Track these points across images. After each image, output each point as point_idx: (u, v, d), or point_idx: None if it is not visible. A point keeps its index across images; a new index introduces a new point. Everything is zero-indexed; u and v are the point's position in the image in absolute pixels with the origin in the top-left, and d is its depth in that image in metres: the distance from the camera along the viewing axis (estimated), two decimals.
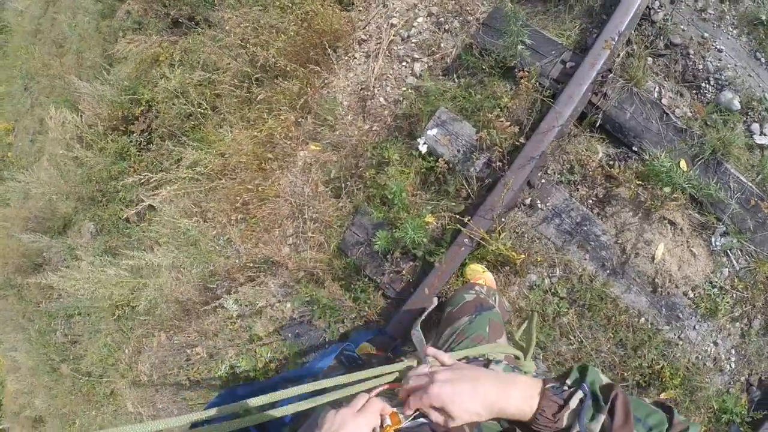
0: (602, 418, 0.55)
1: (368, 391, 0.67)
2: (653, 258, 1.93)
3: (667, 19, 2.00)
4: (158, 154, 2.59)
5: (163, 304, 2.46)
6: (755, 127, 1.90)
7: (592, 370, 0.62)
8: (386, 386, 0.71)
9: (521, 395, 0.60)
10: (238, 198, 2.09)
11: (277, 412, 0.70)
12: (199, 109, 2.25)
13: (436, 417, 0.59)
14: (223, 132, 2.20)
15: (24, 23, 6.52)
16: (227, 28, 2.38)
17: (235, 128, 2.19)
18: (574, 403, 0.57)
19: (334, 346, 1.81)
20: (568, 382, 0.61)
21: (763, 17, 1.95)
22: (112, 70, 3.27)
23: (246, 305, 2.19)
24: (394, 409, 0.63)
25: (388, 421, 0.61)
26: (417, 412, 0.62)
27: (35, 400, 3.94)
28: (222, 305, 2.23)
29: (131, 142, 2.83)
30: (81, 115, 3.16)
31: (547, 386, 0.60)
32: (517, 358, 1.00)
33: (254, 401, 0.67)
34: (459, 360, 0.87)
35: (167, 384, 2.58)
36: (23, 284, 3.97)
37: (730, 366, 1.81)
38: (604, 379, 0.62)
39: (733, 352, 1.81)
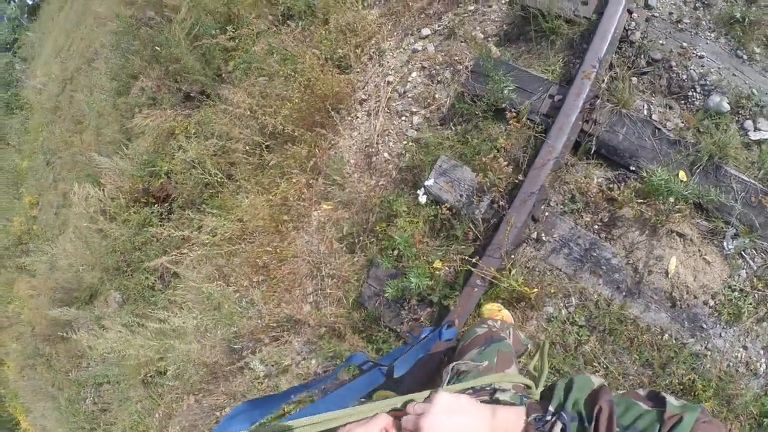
0: None
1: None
2: (667, 272, 1.89)
3: (645, 37, 2.04)
4: (179, 223, 2.74)
5: (191, 368, 2.51)
6: (748, 124, 1.89)
7: (578, 382, 0.61)
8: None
9: None
10: (258, 260, 2.19)
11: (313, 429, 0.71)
12: (215, 178, 2.41)
13: None
14: (240, 198, 2.34)
15: (43, 101, 7.00)
16: (235, 100, 2.57)
17: (251, 194, 2.33)
18: None
19: (343, 365, 1.79)
20: (551, 408, 0.61)
21: (738, 14, 1.96)
22: (130, 145, 3.50)
23: (272, 365, 2.24)
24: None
25: None
26: None
27: None
28: (248, 365, 2.27)
29: (153, 213, 2.99)
30: (103, 189, 3.35)
31: (530, 419, 0.61)
32: (528, 387, 0.98)
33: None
34: (465, 390, 0.87)
35: None
36: (52, 353, 4.06)
37: (764, 367, 1.74)
38: (596, 382, 0.61)
39: (763, 353, 1.75)
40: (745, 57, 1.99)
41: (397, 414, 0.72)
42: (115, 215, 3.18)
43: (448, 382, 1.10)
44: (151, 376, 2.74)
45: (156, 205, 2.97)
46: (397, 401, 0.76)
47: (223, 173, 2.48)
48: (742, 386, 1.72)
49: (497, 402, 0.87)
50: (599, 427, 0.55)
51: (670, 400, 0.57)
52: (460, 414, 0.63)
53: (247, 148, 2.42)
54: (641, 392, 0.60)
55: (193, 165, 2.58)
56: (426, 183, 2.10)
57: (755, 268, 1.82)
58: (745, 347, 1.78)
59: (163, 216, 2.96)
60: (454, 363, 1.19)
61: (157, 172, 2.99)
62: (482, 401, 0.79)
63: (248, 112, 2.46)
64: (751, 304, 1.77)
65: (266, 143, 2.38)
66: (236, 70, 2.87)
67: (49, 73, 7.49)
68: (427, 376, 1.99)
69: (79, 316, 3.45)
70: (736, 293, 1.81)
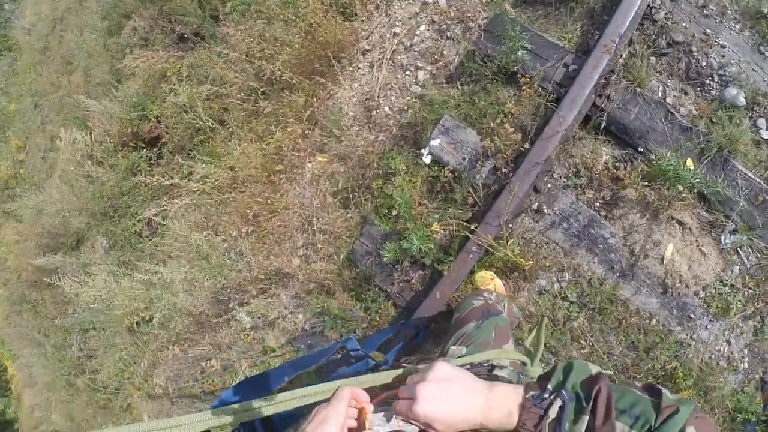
0: (586, 419, 0.55)
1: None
2: (663, 259, 1.92)
3: (669, 18, 1.98)
4: (168, 168, 2.64)
5: (177, 317, 2.49)
6: (761, 122, 1.87)
7: (577, 366, 0.61)
8: (390, 393, 0.71)
9: (502, 411, 0.61)
10: (248, 211, 2.12)
11: (282, 406, 0.71)
12: (207, 124, 2.30)
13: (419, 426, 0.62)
14: (232, 146, 2.24)
15: (32, 41, 6.65)
16: (232, 42, 2.42)
17: (244, 142, 2.23)
18: (553, 412, 0.57)
19: (334, 344, 1.81)
20: (550, 386, 0.61)
21: (766, 10, 1.92)
22: (120, 87, 3.34)
23: (258, 317, 2.22)
24: (366, 406, 0.65)
25: (365, 398, 0.64)
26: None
27: (52, 415, 4.01)
28: (235, 318, 2.26)
29: (141, 157, 2.88)
30: (91, 133, 3.22)
31: (528, 395, 0.61)
32: (524, 363, 0.99)
33: (261, 405, 0.69)
34: (463, 366, 0.88)
35: (183, 396, 2.61)
36: (38, 299, 4.05)
37: (744, 365, 1.79)
38: (593, 370, 0.61)
39: (746, 351, 1.80)
40: (767, 54, 1.93)
41: (390, 392, 0.71)
42: (102, 159, 3.07)
43: (448, 354, 1.12)
44: (137, 324, 2.73)
45: (145, 150, 2.86)
46: (390, 374, 0.75)
47: (216, 119, 2.37)
48: (720, 380, 1.76)
49: (495, 378, 0.89)
50: (597, 407, 0.55)
51: (666, 393, 0.57)
52: (457, 384, 0.64)
53: (242, 93, 2.29)
54: (637, 383, 0.61)
55: (184, 109, 2.46)
56: (432, 142, 2.02)
57: (749, 266, 1.83)
58: (728, 342, 1.81)
59: (152, 161, 2.85)
60: (455, 335, 1.19)
61: (146, 115, 2.86)
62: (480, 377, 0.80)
63: (244, 56, 2.31)
64: (740, 300, 1.79)
65: (262, 89, 2.25)
66: (234, 11, 2.69)
67: (38, 12, 7.09)
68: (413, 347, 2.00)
69: (66, 262, 3.40)
70: (727, 288, 1.82)
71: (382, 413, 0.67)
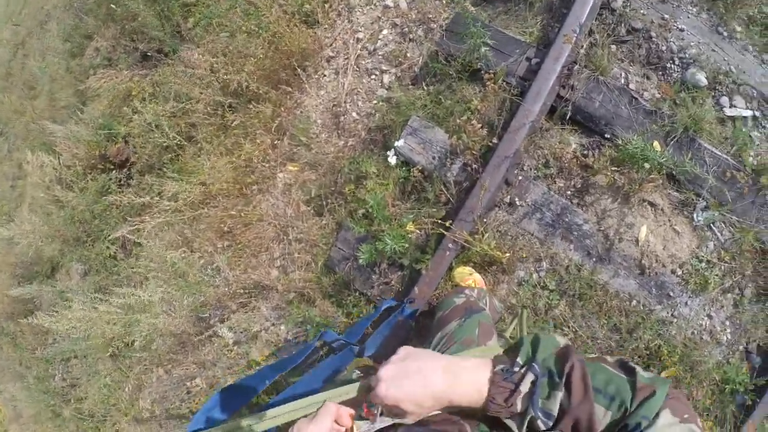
0: (559, 395, 0.53)
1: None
2: (637, 241, 1.94)
3: (627, 5, 2.03)
4: (139, 188, 2.59)
5: (159, 338, 2.44)
6: (724, 100, 1.91)
7: (545, 340, 0.59)
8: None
9: (469, 384, 0.58)
10: (222, 225, 2.10)
11: (271, 423, 0.71)
12: (175, 141, 2.26)
13: (393, 414, 0.60)
14: (202, 161, 2.21)
15: None
16: (195, 57, 2.39)
17: (213, 156, 2.20)
18: (525, 386, 0.55)
19: (314, 339, 1.78)
20: (519, 360, 0.58)
21: None
22: (85, 109, 3.27)
23: (241, 332, 2.19)
24: (351, 411, 0.63)
25: (348, 423, 0.61)
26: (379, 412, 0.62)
27: None
28: (217, 334, 2.22)
29: (111, 179, 2.82)
30: (59, 157, 3.14)
31: (497, 369, 0.58)
32: None
33: (251, 422, 0.68)
34: None
35: (170, 417, 2.56)
36: (17, 331, 3.91)
37: (727, 337, 1.82)
38: (561, 342, 0.59)
39: (728, 323, 1.83)
40: (725, 34, 1.99)
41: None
42: (71, 184, 2.99)
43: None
44: (118, 348, 2.66)
45: (114, 171, 2.80)
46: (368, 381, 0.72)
47: (184, 135, 2.33)
48: (705, 353, 1.79)
49: None
50: (572, 384, 0.52)
51: (639, 370, 0.55)
52: (417, 360, 0.61)
53: (208, 108, 2.27)
54: (609, 359, 0.58)
55: (151, 128, 2.42)
56: (396, 144, 2.03)
57: (723, 240, 1.87)
58: (709, 316, 1.84)
59: (122, 182, 2.80)
60: (438, 334, 1.19)
61: (113, 136, 2.81)
62: None
63: (209, 71, 2.29)
64: (717, 275, 1.83)
65: (228, 102, 2.23)
66: (196, 26, 2.66)
67: None
68: (400, 345, 1.99)
69: (42, 291, 3.30)
70: (703, 264, 1.86)
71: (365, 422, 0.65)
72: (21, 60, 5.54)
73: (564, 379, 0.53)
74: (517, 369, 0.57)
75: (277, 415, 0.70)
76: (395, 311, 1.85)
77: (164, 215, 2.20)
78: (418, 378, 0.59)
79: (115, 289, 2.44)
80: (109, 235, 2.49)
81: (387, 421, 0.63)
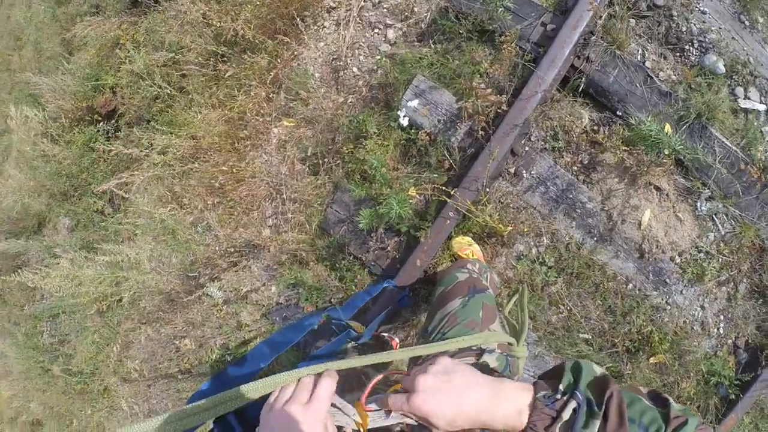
0: (597, 423, 0.52)
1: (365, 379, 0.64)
2: (640, 224, 1.92)
3: None
4: (127, 141, 2.48)
5: (147, 296, 2.39)
6: (739, 90, 1.87)
7: (586, 368, 0.58)
8: (377, 380, 0.67)
9: (510, 409, 0.57)
10: (213, 181, 2.01)
11: (255, 393, 0.65)
12: (165, 91, 2.13)
13: (416, 419, 0.58)
14: (193, 113, 2.09)
15: None
16: (188, 4, 2.23)
17: (205, 108, 2.08)
18: (567, 414, 0.54)
19: (317, 313, 1.75)
20: (561, 387, 0.57)
21: None
22: (71, 59, 3.10)
23: (231, 291, 2.14)
24: (359, 401, 0.60)
25: (357, 418, 0.59)
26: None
27: (30, 404, 3.90)
28: (206, 293, 2.17)
29: (98, 131, 2.69)
30: (44, 110, 3.00)
31: (539, 395, 0.57)
32: (510, 344, 0.96)
33: (248, 388, 0.61)
34: (453, 355, 0.86)
35: (159, 377, 2.55)
36: (4, 288, 3.87)
37: (718, 330, 1.83)
38: (598, 371, 0.59)
39: (720, 316, 1.84)
40: (747, 23, 1.92)
41: (377, 379, 0.66)
42: (58, 137, 2.86)
43: (434, 333, 1.09)
44: (107, 306, 2.62)
45: (101, 123, 2.67)
46: (378, 357, 0.69)
47: (174, 86, 2.20)
48: (695, 344, 1.80)
49: (487, 366, 0.87)
50: (610, 413, 0.52)
51: (672, 402, 0.57)
52: (459, 377, 0.60)
53: (200, 58, 2.13)
54: (643, 390, 0.59)
55: (140, 77, 2.28)
56: (408, 103, 1.92)
57: (723, 233, 1.85)
58: (703, 307, 1.84)
59: (110, 134, 2.67)
60: (439, 312, 1.15)
61: (101, 87, 2.66)
62: (470, 363, 0.80)
63: (201, 18, 2.14)
64: (714, 267, 1.82)
65: (221, 52, 2.09)
66: None
67: None
68: (392, 315, 1.96)
69: (29, 246, 3.23)
70: (702, 254, 1.85)
71: (374, 404, 0.62)
72: (6, 10, 5.27)
73: (603, 409, 0.53)
74: (559, 396, 0.56)
75: (260, 387, 0.63)
76: (395, 295, 1.81)
77: (153, 169, 2.11)
78: (458, 396, 0.57)
79: (103, 245, 2.37)
80: (96, 189, 2.39)
81: (398, 418, 0.61)
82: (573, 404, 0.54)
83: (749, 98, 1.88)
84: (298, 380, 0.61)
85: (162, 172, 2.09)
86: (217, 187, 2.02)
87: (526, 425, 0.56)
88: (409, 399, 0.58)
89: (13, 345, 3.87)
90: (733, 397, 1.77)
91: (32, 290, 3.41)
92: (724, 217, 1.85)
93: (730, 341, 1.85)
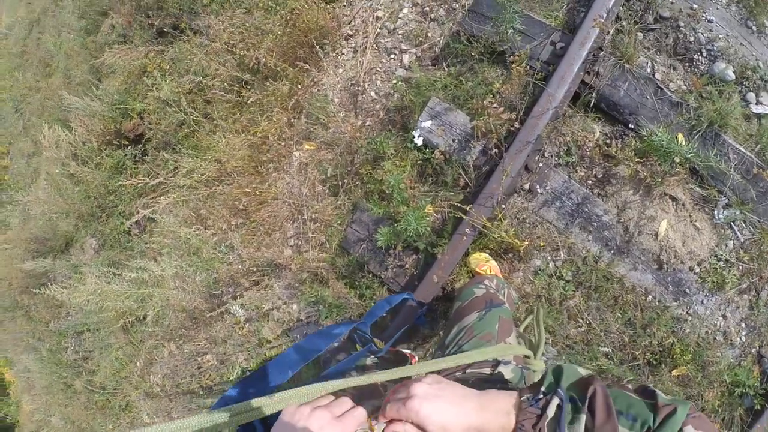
0: (583, 417, 0.54)
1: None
2: (657, 235, 1.90)
3: None
4: (154, 165, 2.59)
5: (171, 314, 2.46)
6: (751, 96, 1.87)
7: (567, 369, 0.60)
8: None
9: (499, 413, 0.59)
10: (237, 203, 2.08)
11: (281, 405, 0.68)
12: (191, 117, 2.24)
13: (412, 430, 0.60)
14: (217, 138, 2.19)
15: (9, 45, 6.51)
16: (212, 33, 2.36)
17: (229, 133, 2.18)
18: (551, 410, 0.56)
19: (345, 323, 1.77)
20: (543, 388, 0.60)
21: None
22: (100, 85, 3.26)
23: (252, 309, 2.19)
24: (373, 421, 0.62)
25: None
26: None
27: (51, 418, 3.98)
28: (229, 311, 2.23)
29: (126, 155, 2.82)
30: (74, 132, 3.15)
31: (523, 398, 0.60)
32: (527, 357, 0.97)
33: (268, 401, 0.64)
34: (470, 364, 0.87)
35: (180, 393, 2.59)
36: (31, 305, 3.99)
37: (741, 339, 1.79)
38: (583, 372, 0.60)
39: (742, 324, 1.80)
40: (754, 28, 1.94)
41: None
42: (87, 159, 3.00)
43: (451, 345, 1.10)
44: (131, 323, 2.69)
45: (129, 147, 2.80)
46: (389, 374, 0.71)
47: (199, 112, 2.31)
48: (718, 354, 1.76)
49: (501, 377, 0.89)
50: (596, 406, 0.54)
51: (660, 393, 0.57)
52: (451, 387, 0.63)
53: (225, 84, 2.24)
54: (629, 386, 0.60)
55: (167, 103, 2.40)
56: (422, 124, 1.99)
57: (742, 240, 1.82)
58: (724, 316, 1.81)
59: (137, 158, 2.80)
60: (456, 326, 1.17)
61: (129, 112, 2.80)
62: (484, 375, 0.82)
63: (225, 47, 2.26)
64: (734, 275, 1.79)
65: (245, 79, 2.20)
66: (213, 2, 2.62)
67: (14, 16, 6.92)
68: (411, 332, 1.98)
69: (56, 265, 3.35)
70: (721, 263, 1.82)
71: (374, 420, 0.64)
72: (36, 37, 5.56)
73: (587, 403, 0.54)
74: (541, 396, 0.58)
75: (288, 397, 0.67)
76: (412, 313, 1.84)
77: (179, 192, 2.20)
78: (454, 404, 0.60)
79: (129, 263, 2.46)
80: (123, 211, 2.49)
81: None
82: (556, 401, 0.56)
83: (761, 103, 1.87)
84: (334, 396, 0.64)
85: (187, 195, 2.18)
86: (240, 209, 2.10)
87: (514, 425, 0.58)
88: (405, 403, 0.59)
89: (37, 360, 3.97)
90: (759, 407, 1.71)
91: (58, 307, 3.52)
92: (743, 224, 1.83)
93: (753, 350, 1.80)
